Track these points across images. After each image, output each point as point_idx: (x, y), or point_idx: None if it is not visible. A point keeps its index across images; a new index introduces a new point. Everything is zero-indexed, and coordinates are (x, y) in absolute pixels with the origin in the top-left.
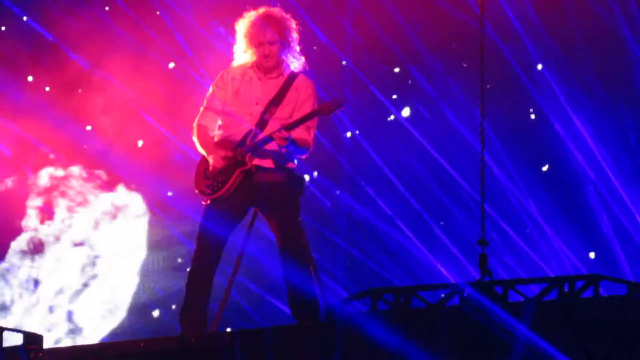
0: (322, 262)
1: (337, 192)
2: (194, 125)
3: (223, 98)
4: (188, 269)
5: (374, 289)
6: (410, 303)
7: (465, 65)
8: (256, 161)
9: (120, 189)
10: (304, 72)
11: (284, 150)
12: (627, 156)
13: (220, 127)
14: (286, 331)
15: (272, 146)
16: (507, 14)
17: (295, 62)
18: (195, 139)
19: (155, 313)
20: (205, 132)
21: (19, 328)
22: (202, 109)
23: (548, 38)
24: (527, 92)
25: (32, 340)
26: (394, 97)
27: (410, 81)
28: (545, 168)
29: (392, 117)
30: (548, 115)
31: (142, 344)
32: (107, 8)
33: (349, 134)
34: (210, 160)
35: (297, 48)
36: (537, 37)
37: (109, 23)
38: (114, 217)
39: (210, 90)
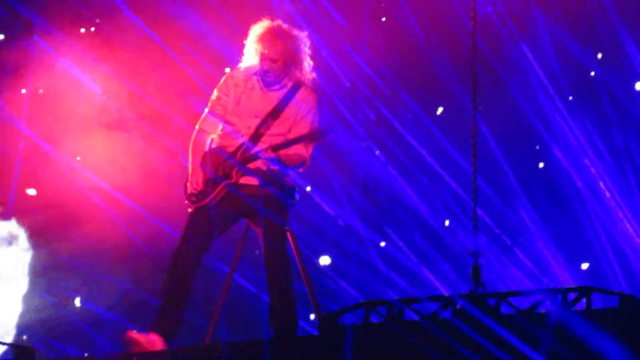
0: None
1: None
2: (196, 127)
3: (226, 104)
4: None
5: (368, 301)
6: (403, 315)
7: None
8: (243, 176)
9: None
10: (309, 84)
11: (273, 168)
12: (615, 164)
13: (219, 135)
14: (279, 343)
15: (259, 163)
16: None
17: (302, 77)
18: (191, 142)
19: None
20: (201, 140)
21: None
22: (206, 110)
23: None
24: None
25: (24, 353)
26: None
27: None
28: (541, 165)
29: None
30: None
31: (134, 358)
32: None
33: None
34: (190, 170)
35: (308, 65)
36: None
37: None
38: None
39: (215, 94)
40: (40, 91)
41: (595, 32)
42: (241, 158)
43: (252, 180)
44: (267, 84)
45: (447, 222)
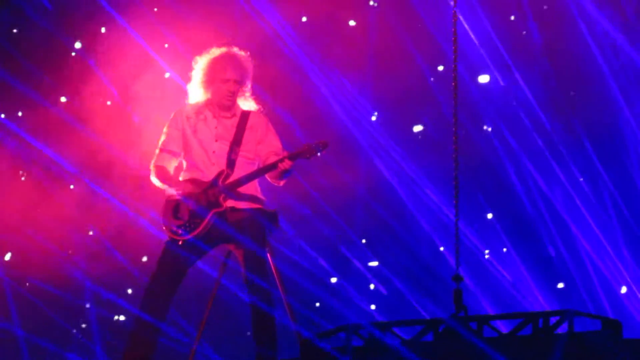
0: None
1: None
2: (151, 167)
3: (179, 138)
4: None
5: (349, 324)
6: (384, 339)
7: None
8: (230, 202)
9: None
10: (254, 109)
11: (281, 182)
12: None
13: (186, 169)
14: None
15: (244, 188)
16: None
17: (248, 102)
18: (154, 178)
19: None
20: (164, 171)
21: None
22: (157, 151)
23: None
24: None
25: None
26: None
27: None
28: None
29: None
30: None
31: None
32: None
33: None
34: (175, 191)
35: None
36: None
37: None
38: None
39: (165, 131)
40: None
41: None
42: (225, 185)
43: (241, 204)
44: (221, 110)
45: (442, 248)
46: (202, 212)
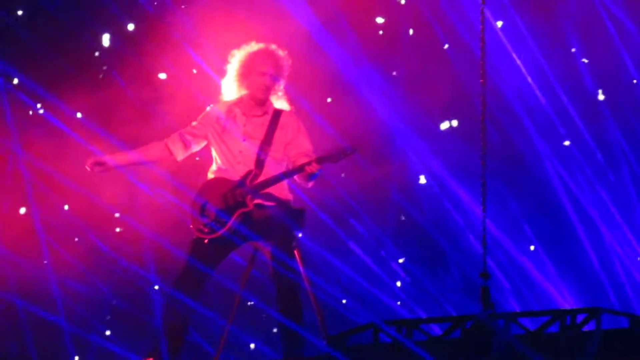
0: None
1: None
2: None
3: (201, 132)
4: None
5: (376, 321)
6: (412, 336)
7: None
8: (257, 201)
9: None
10: (287, 109)
11: (309, 184)
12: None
13: (214, 167)
14: None
15: (271, 188)
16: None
17: (281, 102)
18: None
19: None
20: (155, 146)
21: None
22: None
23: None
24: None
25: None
26: None
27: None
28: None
29: None
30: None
31: None
32: None
33: None
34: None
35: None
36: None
37: None
38: None
39: (194, 123)
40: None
41: None
42: (253, 185)
43: (268, 202)
44: (250, 112)
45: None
46: (229, 211)
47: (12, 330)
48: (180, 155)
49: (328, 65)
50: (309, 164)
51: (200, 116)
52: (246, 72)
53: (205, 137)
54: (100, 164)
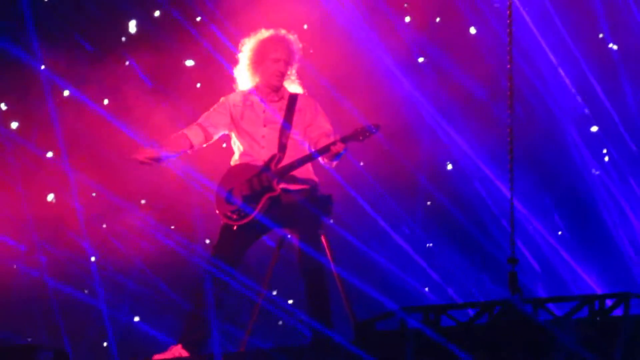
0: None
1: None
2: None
3: (219, 121)
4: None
5: (404, 307)
6: (440, 322)
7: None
8: (283, 185)
9: None
10: (301, 92)
11: (333, 164)
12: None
13: (237, 155)
14: (317, 349)
15: (296, 172)
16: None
17: (294, 85)
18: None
19: None
20: (177, 135)
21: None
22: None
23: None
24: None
25: (62, 357)
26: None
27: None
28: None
29: None
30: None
31: None
32: None
33: None
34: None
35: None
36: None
37: None
38: None
39: (210, 111)
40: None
41: None
42: (277, 169)
43: (294, 186)
44: (268, 94)
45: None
46: (256, 197)
47: (42, 312)
48: (200, 145)
49: (356, 48)
50: (334, 143)
51: (215, 106)
52: (259, 60)
53: (225, 126)
54: (156, 159)
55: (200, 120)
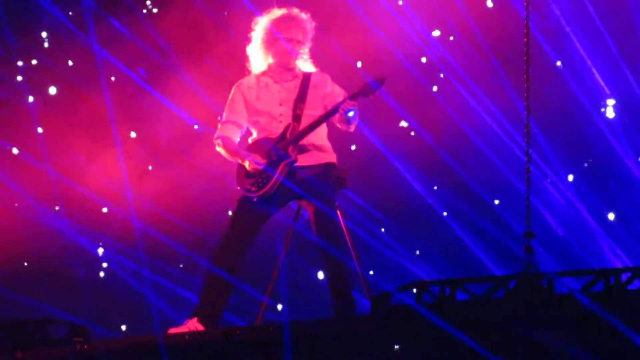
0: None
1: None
2: (215, 139)
3: (242, 110)
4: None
5: (420, 281)
6: (455, 295)
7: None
8: (300, 157)
9: None
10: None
11: (351, 127)
12: None
13: (256, 133)
14: (334, 323)
15: (312, 139)
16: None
17: (307, 64)
18: (220, 149)
19: None
20: (229, 141)
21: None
22: (219, 125)
23: None
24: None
25: (78, 331)
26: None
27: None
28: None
29: None
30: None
31: (186, 337)
32: None
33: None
34: (247, 165)
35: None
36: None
37: None
38: None
39: (228, 104)
40: None
41: None
42: (293, 136)
43: (310, 158)
44: (282, 73)
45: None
46: (273, 166)
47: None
48: (238, 136)
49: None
50: (342, 102)
51: (230, 97)
52: (272, 40)
53: (247, 111)
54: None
55: (225, 117)
